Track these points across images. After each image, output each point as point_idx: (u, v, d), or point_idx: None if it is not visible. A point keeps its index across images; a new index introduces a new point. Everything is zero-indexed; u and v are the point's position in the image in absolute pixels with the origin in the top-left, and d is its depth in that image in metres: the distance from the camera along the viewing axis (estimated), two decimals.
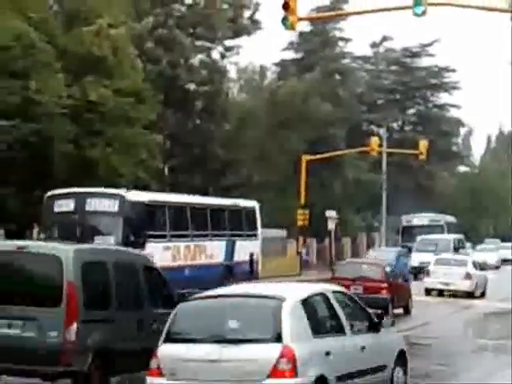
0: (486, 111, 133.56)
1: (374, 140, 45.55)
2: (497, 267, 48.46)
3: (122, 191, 21.23)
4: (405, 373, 10.72)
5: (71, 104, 25.48)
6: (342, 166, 52.83)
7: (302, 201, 42.24)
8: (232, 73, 51.37)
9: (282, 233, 45.37)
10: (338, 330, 9.49)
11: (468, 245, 52.75)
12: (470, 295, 28.95)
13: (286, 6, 20.39)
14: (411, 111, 71.10)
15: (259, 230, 27.84)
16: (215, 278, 23.16)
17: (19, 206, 25.96)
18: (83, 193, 20.95)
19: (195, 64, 44.08)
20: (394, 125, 69.83)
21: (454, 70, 70.94)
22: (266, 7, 68.71)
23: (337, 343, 9.29)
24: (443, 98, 71.35)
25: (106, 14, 28.25)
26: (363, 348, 9.72)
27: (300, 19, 22.61)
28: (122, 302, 10.99)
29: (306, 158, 43.62)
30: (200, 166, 42.77)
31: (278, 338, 8.60)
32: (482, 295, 29.99)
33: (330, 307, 9.57)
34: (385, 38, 70.15)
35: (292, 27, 21.21)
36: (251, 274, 26.27)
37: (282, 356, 8.47)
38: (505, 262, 51.70)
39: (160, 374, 8.80)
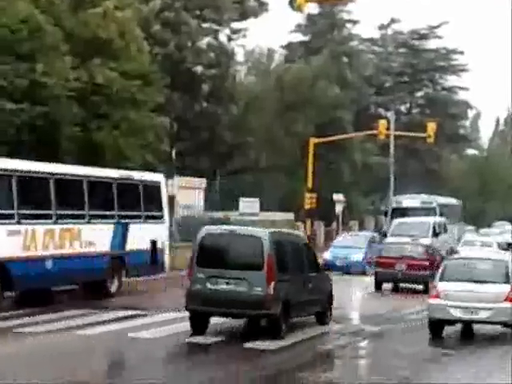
0: (494, 93, 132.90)
1: (382, 123, 45.38)
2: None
3: None
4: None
5: (78, 87, 25.41)
6: (350, 149, 52.69)
7: (310, 184, 42.16)
8: (239, 56, 51.20)
9: (290, 216, 45.32)
10: None
11: (470, 228, 52.16)
12: None
13: None
14: (419, 94, 70.82)
15: (165, 211, 23.04)
16: (98, 271, 19.86)
17: None
18: None
19: (202, 47, 43.90)
20: (402, 108, 69.60)
21: (462, 52, 70.66)
22: None
23: None
24: (451, 80, 71.13)
25: None
26: None
27: (307, 1, 22.48)
28: (294, 268, 15.80)
29: (313, 141, 43.51)
30: (207, 150, 42.68)
31: (507, 281, 16.13)
32: None
33: None
34: (393, 20, 69.81)
35: (299, 9, 21.15)
36: (154, 266, 22.07)
37: (510, 290, 15.87)
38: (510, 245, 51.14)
39: (437, 297, 16.13)
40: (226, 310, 14.93)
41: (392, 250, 26.60)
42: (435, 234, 33.02)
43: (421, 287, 25.38)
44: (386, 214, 42.61)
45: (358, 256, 32.12)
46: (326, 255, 31.61)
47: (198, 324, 15.23)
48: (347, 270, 31.16)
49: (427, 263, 25.47)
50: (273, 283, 14.70)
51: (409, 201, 40.83)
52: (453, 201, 46.83)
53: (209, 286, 14.93)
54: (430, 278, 22.82)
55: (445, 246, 32.92)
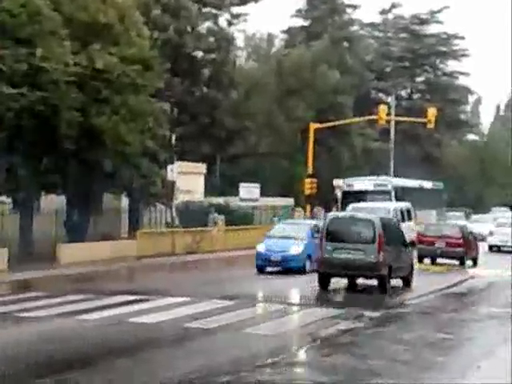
0: (495, 79, 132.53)
1: (382, 108, 45.23)
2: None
3: None
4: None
5: (77, 72, 25.33)
6: (350, 134, 52.64)
7: (310, 169, 42.14)
8: (239, 40, 51.07)
9: (290, 201, 45.33)
10: None
11: (458, 214, 47.46)
12: None
13: None
14: (420, 79, 70.67)
15: None
16: None
17: (27, 175, 25.92)
18: None
19: (202, 31, 43.78)
20: (403, 93, 69.47)
21: (463, 38, 70.58)
22: None
23: None
24: (452, 65, 70.99)
25: None
26: None
27: None
28: (393, 243, 21.12)
29: (313, 126, 43.44)
30: (207, 135, 42.65)
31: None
32: None
33: None
34: (393, 5, 69.60)
35: None
36: None
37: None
38: None
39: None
40: (347, 272, 20.61)
41: (431, 229, 30.81)
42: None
43: (457, 262, 29.88)
44: (335, 199, 39.28)
45: (296, 249, 25.48)
46: (260, 247, 25.93)
47: (324, 282, 20.93)
48: (284, 266, 25.23)
49: (462, 241, 29.71)
50: (382, 253, 20.30)
51: (361, 183, 37.21)
52: (427, 184, 43.15)
53: (334, 255, 20.47)
54: (463, 255, 29.53)
55: (411, 234, 30.03)
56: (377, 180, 37.67)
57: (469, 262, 30.26)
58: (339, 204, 37.12)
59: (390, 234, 21.18)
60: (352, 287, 21.38)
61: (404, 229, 28.55)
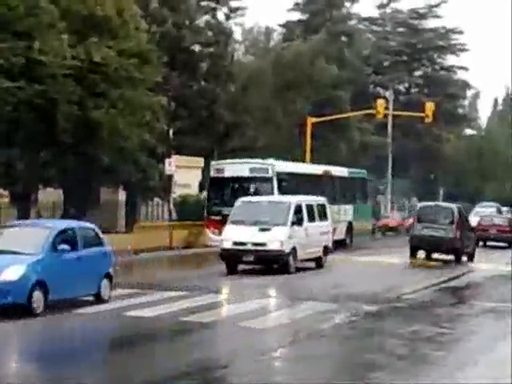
0: (493, 73, 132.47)
1: (380, 102, 45.23)
2: None
3: None
4: None
5: (75, 65, 25.29)
6: (348, 128, 52.60)
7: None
8: (237, 34, 51.02)
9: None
10: None
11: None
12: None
13: None
14: (418, 73, 70.62)
15: None
16: None
17: (25, 168, 25.91)
18: None
19: (200, 25, 43.71)
20: (401, 87, 69.41)
21: (461, 32, 70.42)
22: None
23: None
24: (450, 60, 70.93)
25: None
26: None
27: None
28: (463, 226, 28.67)
29: (311, 120, 43.41)
30: (205, 129, 42.59)
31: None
32: None
33: None
34: None
35: None
36: None
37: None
38: None
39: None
40: (433, 245, 28.15)
41: (485, 220, 39.39)
42: (298, 222, 23.16)
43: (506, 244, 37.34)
44: (200, 185, 32.81)
45: (13, 272, 14.61)
46: None
47: (414, 253, 28.57)
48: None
49: (508, 229, 38.32)
50: (458, 231, 27.90)
51: (233, 167, 29.01)
52: (339, 171, 35.24)
53: (423, 232, 28.02)
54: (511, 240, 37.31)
55: (321, 238, 24.34)
56: (254, 164, 28.89)
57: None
58: (206, 195, 30.28)
59: (462, 219, 29.06)
60: (428, 258, 28.76)
61: (315, 235, 24.03)
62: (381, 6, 69.63)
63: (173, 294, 17.91)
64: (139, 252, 28.59)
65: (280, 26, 59.58)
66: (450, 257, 28.76)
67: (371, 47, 65.65)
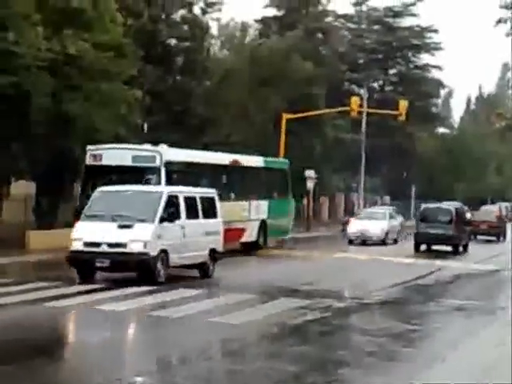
0: (466, 72, 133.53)
1: (354, 100, 45.43)
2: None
3: None
4: None
5: (50, 57, 25.14)
6: (322, 125, 52.76)
7: None
8: (213, 29, 50.88)
9: None
10: None
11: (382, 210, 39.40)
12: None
13: None
14: (392, 71, 70.97)
15: None
16: None
17: None
18: None
19: (176, 19, 43.61)
20: (375, 85, 69.72)
21: (436, 31, 70.80)
22: None
23: None
24: (425, 58, 71.31)
25: None
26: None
27: None
28: (460, 223, 34.41)
29: (286, 116, 43.49)
30: (180, 123, 42.52)
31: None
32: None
33: None
34: None
35: None
36: None
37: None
38: None
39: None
40: (436, 241, 33.32)
41: (478, 215, 43.87)
42: (171, 217, 18.75)
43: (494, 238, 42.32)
44: (72, 175, 27.69)
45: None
46: None
47: (418, 248, 33.45)
48: None
49: (497, 224, 42.88)
50: (456, 229, 33.02)
51: (113, 154, 23.82)
52: (250, 161, 30.75)
53: (426, 230, 33.10)
54: (500, 233, 42.75)
55: (206, 239, 20.01)
56: (138, 151, 24.05)
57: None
58: (80, 185, 25.16)
59: (459, 217, 34.32)
60: (429, 250, 33.32)
61: (197, 235, 19.63)
62: (356, 4, 69.86)
63: (144, 289, 17.85)
64: None
65: (256, 21, 59.55)
66: (448, 248, 33.84)
67: (347, 44, 65.84)
